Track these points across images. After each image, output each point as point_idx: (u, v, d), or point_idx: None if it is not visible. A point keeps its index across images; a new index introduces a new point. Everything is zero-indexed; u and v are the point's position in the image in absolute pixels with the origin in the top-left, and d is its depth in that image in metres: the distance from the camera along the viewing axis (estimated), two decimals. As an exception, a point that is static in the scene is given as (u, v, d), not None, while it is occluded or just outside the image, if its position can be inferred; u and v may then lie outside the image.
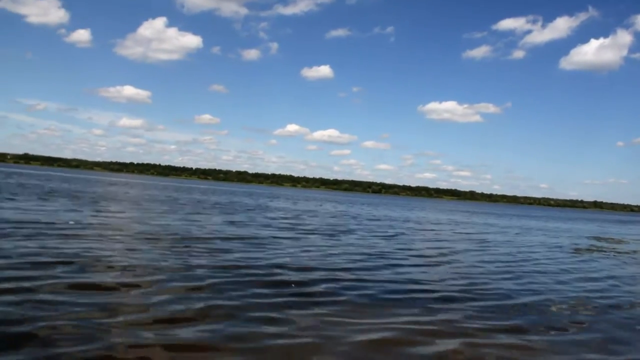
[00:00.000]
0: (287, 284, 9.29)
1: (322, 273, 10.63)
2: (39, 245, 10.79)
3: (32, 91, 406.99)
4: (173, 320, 6.55)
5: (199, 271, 9.66)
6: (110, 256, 10.42)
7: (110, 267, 9.39)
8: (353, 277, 10.55)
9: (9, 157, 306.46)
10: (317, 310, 7.65)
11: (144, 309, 6.92)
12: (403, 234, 23.16)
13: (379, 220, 32.84)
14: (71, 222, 15.57)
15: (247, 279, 9.42)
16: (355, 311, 7.85)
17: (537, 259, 16.47)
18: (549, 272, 13.60)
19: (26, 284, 7.50)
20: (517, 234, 29.98)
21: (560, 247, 22.04)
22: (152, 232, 15.03)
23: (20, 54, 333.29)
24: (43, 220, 15.27)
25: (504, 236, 26.75)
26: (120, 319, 6.38)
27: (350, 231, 21.67)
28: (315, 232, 19.63)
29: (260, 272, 10.15)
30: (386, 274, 11.22)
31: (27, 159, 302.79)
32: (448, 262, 14.10)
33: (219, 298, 7.83)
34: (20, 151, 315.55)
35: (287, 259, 12.01)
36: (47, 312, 6.32)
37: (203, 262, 10.63)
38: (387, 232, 23.23)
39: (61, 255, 9.89)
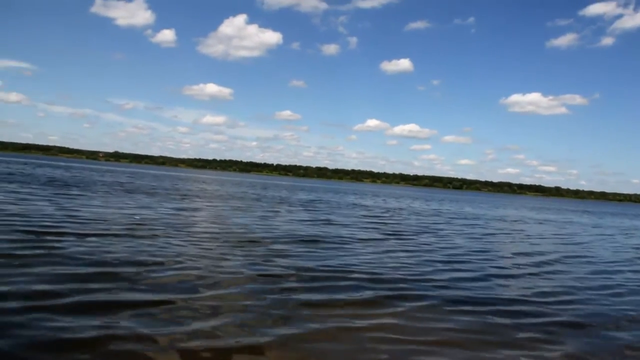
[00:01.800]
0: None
1: (410, 285, 9.40)
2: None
3: (122, 91, 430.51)
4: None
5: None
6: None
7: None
8: (452, 294, 9.13)
9: (101, 154, 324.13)
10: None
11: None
12: (492, 234, 21.46)
13: (465, 218, 31.00)
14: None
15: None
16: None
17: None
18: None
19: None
20: (618, 235, 27.34)
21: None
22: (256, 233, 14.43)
23: (110, 56, 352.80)
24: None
25: (606, 240, 24.31)
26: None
27: (438, 231, 20.23)
28: (402, 234, 18.34)
29: (352, 282, 9.07)
30: (491, 289, 9.73)
31: (117, 156, 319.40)
32: (554, 273, 12.35)
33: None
34: (111, 149, 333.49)
35: (373, 265, 10.88)
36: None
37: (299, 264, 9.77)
38: (473, 232, 21.57)
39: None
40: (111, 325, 5.78)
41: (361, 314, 7.19)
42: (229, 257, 10.40)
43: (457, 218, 30.37)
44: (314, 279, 9.05)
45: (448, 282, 9.81)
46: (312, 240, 13.96)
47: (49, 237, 10.68)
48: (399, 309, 7.54)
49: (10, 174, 36.80)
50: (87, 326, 5.67)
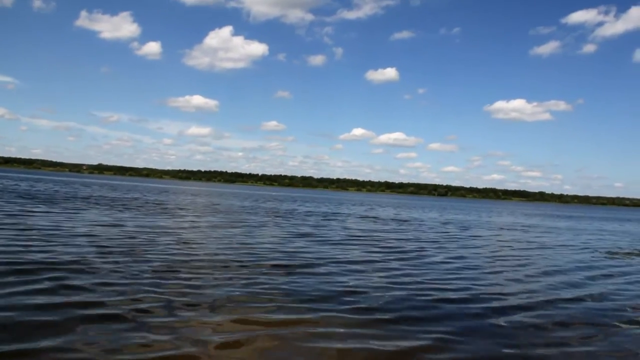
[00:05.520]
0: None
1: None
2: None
3: (106, 104, 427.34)
4: None
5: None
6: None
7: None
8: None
9: (84, 167, 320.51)
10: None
11: None
12: (488, 245, 19.55)
13: (450, 223, 29.11)
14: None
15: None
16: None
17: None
18: None
19: None
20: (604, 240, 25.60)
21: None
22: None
23: (95, 69, 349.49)
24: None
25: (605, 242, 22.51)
26: None
27: (440, 249, 18.23)
28: (400, 251, 16.27)
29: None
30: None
31: (100, 169, 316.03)
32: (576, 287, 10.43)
33: None
34: (95, 162, 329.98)
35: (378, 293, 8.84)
36: None
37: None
38: (472, 243, 19.63)
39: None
40: None
41: None
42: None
43: (447, 224, 28.49)
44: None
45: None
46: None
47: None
48: None
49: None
50: None
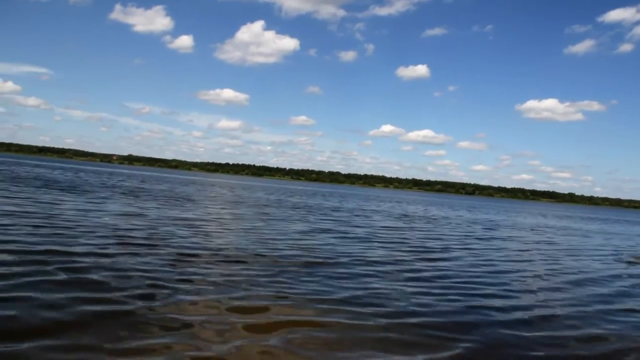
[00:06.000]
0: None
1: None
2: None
3: (138, 95, 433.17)
4: None
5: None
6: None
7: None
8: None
9: (114, 157, 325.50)
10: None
11: None
12: (529, 250, 18.98)
13: (491, 229, 28.47)
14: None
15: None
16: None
17: None
18: None
19: None
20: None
21: None
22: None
23: (128, 61, 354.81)
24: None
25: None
26: None
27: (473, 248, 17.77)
28: (426, 251, 15.89)
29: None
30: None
31: (130, 159, 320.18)
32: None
33: None
34: (126, 152, 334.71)
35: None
36: None
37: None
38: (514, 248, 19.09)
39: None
40: None
41: None
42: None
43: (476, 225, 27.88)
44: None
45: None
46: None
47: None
48: None
49: None
50: None
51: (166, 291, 7.31)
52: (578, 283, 11.47)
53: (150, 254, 9.98)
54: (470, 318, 7.44)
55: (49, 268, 7.97)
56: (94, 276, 7.79)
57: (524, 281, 11.15)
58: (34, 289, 6.75)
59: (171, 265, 9.20)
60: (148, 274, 8.28)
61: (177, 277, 8.26)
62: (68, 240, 10.65)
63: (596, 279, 12.37)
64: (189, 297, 7.10)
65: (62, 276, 7.63)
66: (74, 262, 8.62)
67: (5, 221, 12.53)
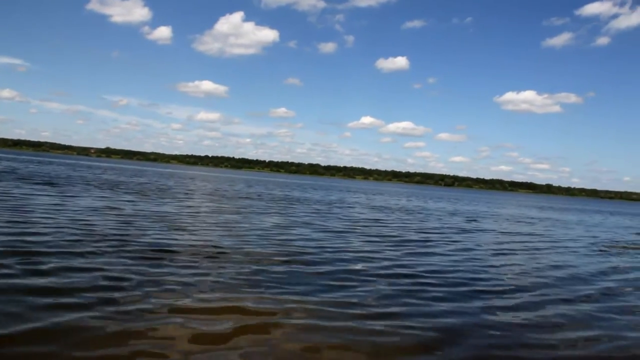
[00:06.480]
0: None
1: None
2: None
3: (116, 88, 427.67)
4: None
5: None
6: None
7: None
8: None
9: (92, 150, 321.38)
10: None
11: None
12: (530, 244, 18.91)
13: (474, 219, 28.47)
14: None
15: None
16: None
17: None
18: None
19: None
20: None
21: None
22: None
23: (105, 53, 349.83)
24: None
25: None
26: None
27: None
28: (403, 241, 15.74)
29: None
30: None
31: (108, 152, 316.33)
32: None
33: None
34: (103, 145, 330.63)
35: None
36: None
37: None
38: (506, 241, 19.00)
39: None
40: None
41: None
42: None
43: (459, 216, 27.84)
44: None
45: None
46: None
47: None
48: None
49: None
50: None
51: (133, 293, 6.95)
52: (565, 277, 11.31)
53: (119, 251, 9.59)
54: (455, 319, 7.11)
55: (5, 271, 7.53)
56: (53, 278, 7.37)
57: (511, 275, 10.96)
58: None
59: (139, 263, 8.82)
60: (113, 273, 7.87)
61: (144, 277, 7.87)
62: (31, 238, 10.20)
63: (582, 272, 12.26)
64: (154, 300, 6.74)
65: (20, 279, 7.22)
66: (34, 262, 8.18)
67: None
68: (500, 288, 9.28)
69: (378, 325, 6.36)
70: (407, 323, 6.51)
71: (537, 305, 8.16)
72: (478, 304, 7.90)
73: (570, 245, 17.93)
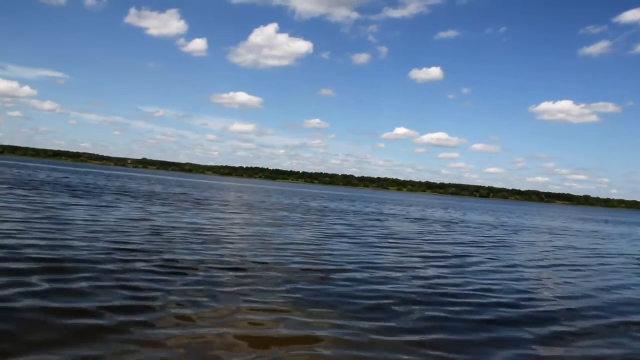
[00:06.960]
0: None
1: None
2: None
3: (152, 99, 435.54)
4: None
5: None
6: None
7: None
8: None
9: (129, 161, 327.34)
10: None
11: None
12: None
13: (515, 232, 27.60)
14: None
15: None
16: None
17: None
18: None
19: None
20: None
21: None
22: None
23: (142, 65, 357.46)
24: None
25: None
26: None
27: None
28: (441, 257, 15.18)
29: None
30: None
31: (144, 163, 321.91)
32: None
33: None
34: (139, 156, 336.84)
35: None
36: None
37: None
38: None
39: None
40: None
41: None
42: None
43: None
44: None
45: None
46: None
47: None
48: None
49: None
50: None
51: (157, 303, 6.68)
52: (607, 291, 10.69)
53: (148, 262, 9.38)
54: (491, 335, 6.71)
55: (32, 279, 7.38)
56: (80, 284, 7.17)
57: (551, 290, 10.35)
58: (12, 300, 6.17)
59: (167, 274, 8.57)
60: (141, 283, 7.67)
61: (171, 287, 7.60)
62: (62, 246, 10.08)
63: (624, 286, 11.58)
64: (181, 311, 6.45)
65: (45, 286, 7.06)
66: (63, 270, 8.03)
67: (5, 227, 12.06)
68: (553, 315, 8.52)
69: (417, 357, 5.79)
70: (446, 355, 5.92)
71: (596, 337, 7.43)
72: (516, 320, 7.37)
73: (616, 262, 17.01)
